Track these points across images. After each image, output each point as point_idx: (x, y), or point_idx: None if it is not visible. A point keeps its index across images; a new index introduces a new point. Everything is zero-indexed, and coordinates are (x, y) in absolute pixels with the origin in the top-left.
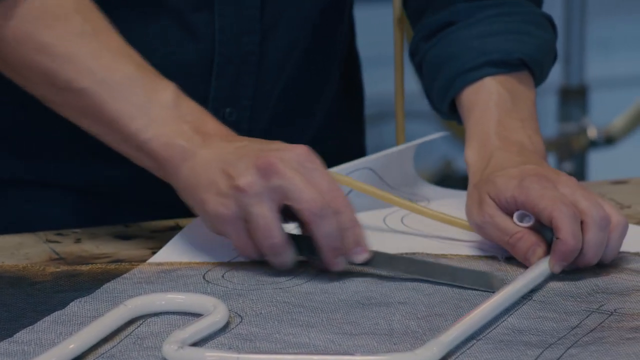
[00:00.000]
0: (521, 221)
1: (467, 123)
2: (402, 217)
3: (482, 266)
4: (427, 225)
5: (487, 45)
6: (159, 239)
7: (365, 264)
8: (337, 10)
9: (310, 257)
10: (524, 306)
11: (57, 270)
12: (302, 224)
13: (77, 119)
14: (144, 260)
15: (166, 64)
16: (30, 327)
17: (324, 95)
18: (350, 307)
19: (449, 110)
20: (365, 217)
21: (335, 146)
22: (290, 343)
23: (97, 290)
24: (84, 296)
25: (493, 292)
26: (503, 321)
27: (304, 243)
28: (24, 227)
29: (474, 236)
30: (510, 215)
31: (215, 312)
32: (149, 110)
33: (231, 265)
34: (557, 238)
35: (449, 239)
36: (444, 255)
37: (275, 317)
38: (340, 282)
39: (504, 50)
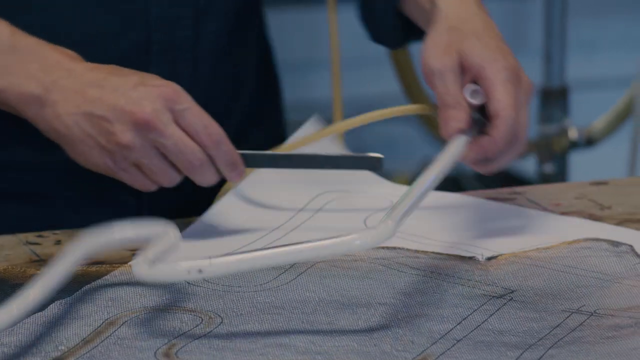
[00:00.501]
0: (470, 97)
1: None
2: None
3: (462, 265)
4: (407, 225)
5: None
6: None
7: (251, 165)
8: (254, 3)
9: None
10: (504, 307)
11: (38, 272)
12: None
13: None
14: (125, 262)
15: (105, 56)
16: (10, 329)
17: (246, 84)
18: (331, 308)
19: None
20: (345, 219)
21: (260, 139)
22: (270, 343)
23: (77, 292)
24: (64, 298)
25: (375, 171)
26: (484, 322)
27: None
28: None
29: (453, 237)
30: (464, 78)
31: (169, 233)
32: None
33: None
34: (490, 135)
35: (428, 239)
36: (424, 252)
37: (256, 317)
38: (322, 280)
39: None
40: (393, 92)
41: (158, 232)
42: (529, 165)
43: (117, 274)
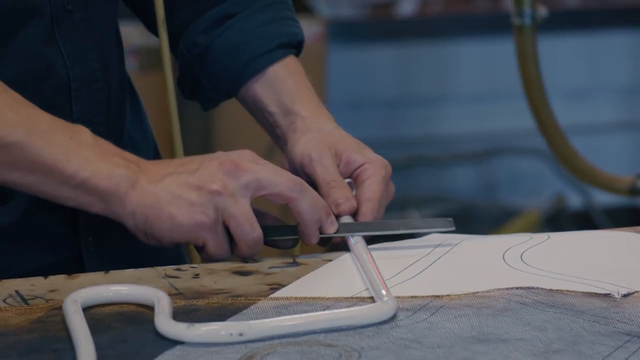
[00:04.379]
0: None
1: (282, 88)
2: (521, 253)
3: (598, 302)
4: (545, 262)
5: (273, 31)
6: (277, 275)
7: (336, 232)
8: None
9: (275, 242)
10: None
11: (174, 305)
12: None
13: (3, 175)
14: (263, 296)
15: (31, 100)
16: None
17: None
18: (467, 343)
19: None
20: (483, 254)
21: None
22: None
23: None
24: None
25: (448, 231)
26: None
27: (272, 231)
28: None
29: (588, 274)
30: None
31: (161, 302)
32: (81, 151)
33: (349, 301)
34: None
35: (566, 276)
36: (559, 291)
37: (392, 352)
38: (457, 319)
39: (288, 33)
40: (521, 127)
41: (151, 298)
42: None
43: (253, 308)
